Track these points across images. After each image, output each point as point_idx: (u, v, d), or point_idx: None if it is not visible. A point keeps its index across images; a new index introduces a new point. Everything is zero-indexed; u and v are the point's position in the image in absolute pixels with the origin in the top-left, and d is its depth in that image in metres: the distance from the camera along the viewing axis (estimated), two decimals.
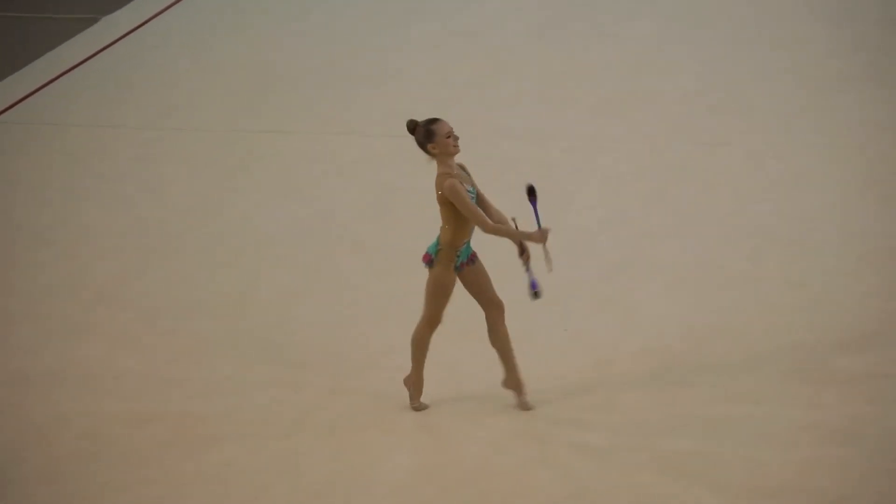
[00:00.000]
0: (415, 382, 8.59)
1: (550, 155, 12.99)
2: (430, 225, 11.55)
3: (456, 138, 8.19)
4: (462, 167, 8.34)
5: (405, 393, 8.67)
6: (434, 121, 8.21)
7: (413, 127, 8.23)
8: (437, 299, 8.30)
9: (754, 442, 8.20)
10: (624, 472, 7.97)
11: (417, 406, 8.61)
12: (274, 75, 15.52)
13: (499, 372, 8.63)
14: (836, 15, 16.78)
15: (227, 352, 9.50)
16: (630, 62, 15.54)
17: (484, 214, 8.19)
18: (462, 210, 8.12)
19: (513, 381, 8.58)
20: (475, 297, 8.46)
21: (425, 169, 12.79)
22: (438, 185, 8.17)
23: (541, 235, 8.29)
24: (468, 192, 8.17)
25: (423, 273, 8.34)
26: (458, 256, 8.28)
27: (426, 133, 8.16)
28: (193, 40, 16.95)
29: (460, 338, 9.02)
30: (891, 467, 7.91)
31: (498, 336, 8.49)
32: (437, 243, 8.28)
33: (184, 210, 12.06)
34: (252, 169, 12.90)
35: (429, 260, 8.30)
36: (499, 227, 8.22)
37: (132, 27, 17.24)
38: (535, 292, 8.33)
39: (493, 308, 8.44)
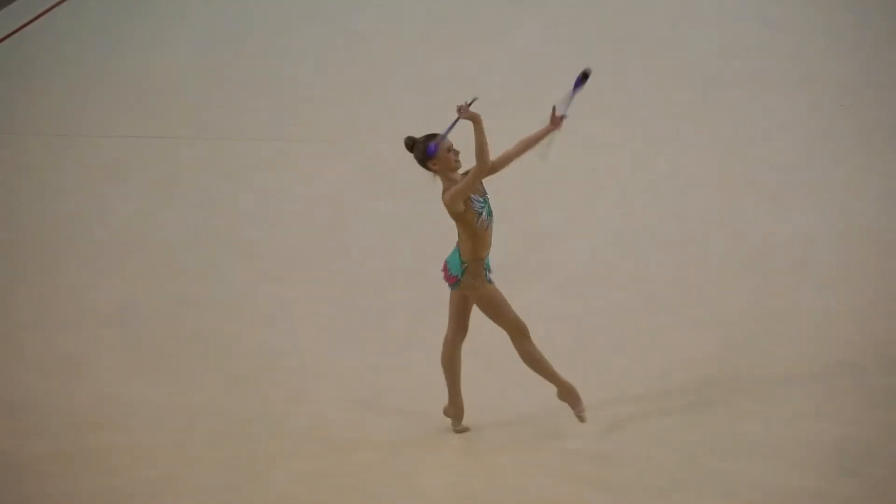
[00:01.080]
0: (569, 392, 8.20)
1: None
2: (317, 229, 11.56)
3: (457, 153, 7.96)
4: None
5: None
6: (432, 136, 7.97)
7: (411, 144, 7.99)
8: (502, 313, 8.05)
9: (647, 441, 8.26)
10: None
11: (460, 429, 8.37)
12: (158, 79, 15.36)
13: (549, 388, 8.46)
14: (719, 17, 17.00)
15: (114, 362, 9.37)
16: (515, 65, 15.60)
17: (482, 166, 7.87)
18: (466, 191, 7.85)
19: (454, 407, 8.33)
20: (452, 314, 8.17)
21: (312, 173, 12.79)
22: (445, 200, 7.95)
23: (556, 122, 8.25)
24: (479, 202, 7.95)
25: (315, 278, 8.23)
26: (487, 269, 8.04)
27: (426, 150, 7.93)
28: (76, 43, 16.72)
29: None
30: None
31: (452, 358, 8.23)
32: (460, 260, 8.02)
33: (66, 217, 11.88)
34: (137, 175, 12.75)
35: (455, 281, 8.03)
36: (508, 151, 8.04)
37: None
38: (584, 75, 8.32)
39: (459, 331, 8.19)
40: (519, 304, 10.04)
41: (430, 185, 8.04)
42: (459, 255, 8.02)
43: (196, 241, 11.32)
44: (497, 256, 10.71)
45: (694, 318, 9.82)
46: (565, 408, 8.21)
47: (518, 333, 8.08)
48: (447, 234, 8.23)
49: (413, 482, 7.85)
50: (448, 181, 7.94)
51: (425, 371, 8.71)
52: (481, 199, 7.97)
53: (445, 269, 8.08)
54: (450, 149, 7.94)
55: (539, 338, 9.38)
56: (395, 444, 8.28)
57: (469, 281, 8.00)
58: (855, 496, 7.65)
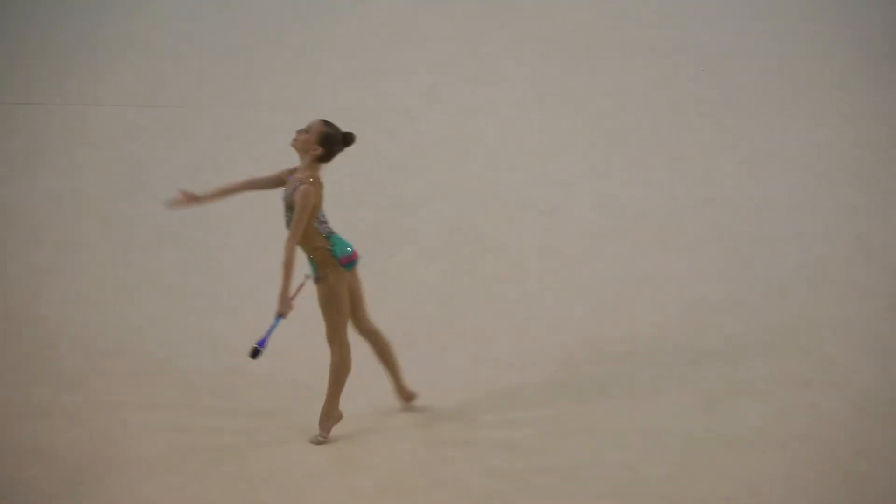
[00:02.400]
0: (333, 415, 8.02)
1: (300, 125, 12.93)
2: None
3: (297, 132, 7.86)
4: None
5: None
6: (347, 143, 7.88)
7: (345, 138, 7.87)
8: (337, 308, 7.86)
9: (508, 404, 8.32)
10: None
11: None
12: (21, 44, 15.10)
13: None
14: None
15: None
16: (384, 33, 15.57)
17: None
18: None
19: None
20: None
21: (178, 142, 12.67)
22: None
23: (284, 306, 7.71)
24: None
25: (169, 246, 8.10)
26: (334, 247, 7.87)
27: (330, 149, 7.82)
28: None
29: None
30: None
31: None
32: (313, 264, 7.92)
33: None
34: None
35: (315, 278, 7.88)
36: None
37: None
38: (256, 349, 7.75)
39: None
40: (384, 270, 10.11)
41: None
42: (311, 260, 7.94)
43: (58, 209, 11.16)
44: (363, 224, 10.79)
45: (561, 286, 9.91)
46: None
47: (341, 337, 7.93)
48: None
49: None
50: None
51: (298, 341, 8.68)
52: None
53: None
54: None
55: (405, 305, 9.45)
56: (266, 413, 8.25)
57: (326, 269, 7.90)
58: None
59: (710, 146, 12.51)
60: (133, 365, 8.83)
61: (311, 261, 7.83)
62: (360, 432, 8.01)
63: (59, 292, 9.85)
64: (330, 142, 7.79)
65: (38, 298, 9.75)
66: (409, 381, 8.30)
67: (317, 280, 7.84)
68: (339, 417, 7.99)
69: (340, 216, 10.86)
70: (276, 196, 7.95)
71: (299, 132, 7.83)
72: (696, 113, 13.29)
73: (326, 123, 7.83)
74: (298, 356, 8.59)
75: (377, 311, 9.19)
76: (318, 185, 7.78)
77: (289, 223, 7.75)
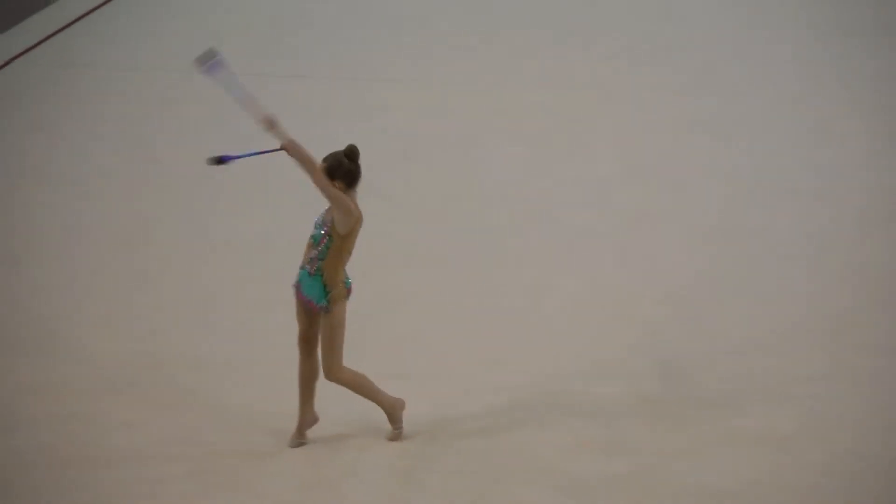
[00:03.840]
0: (396, 405, 7.99)
1: (566, 102, 12.99)
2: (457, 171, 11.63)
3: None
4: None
5: None
6: (357, 166, 7.65)
7: (353, 154, 7.66)
8: (340, 337, 7.76)
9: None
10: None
11: (398, 435, 7.99)
12: (291, 17, 15.46)
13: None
14: None
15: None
16: (665, 8, 15.48)
17: (312, 165, 7.58)
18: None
19: (306, 419, 7.99)
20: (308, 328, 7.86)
21: (450, 116, 12.83)
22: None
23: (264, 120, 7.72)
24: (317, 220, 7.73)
25: None
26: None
27: (349, 172, 7.60)
28: None
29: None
30: None
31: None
32: (321, 284, 7.76)
33: (203, 154, 12.04)
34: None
35: (324, 308, 7.71)
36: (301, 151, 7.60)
37: None
38: (219, 158, 7.82)
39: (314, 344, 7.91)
40: (649, 253, 10.08)
41: None
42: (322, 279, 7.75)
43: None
44: (627, 206, 10.70)
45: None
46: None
47: (339, 359, 7.78)
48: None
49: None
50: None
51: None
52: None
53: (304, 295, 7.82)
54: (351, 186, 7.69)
55: (669, 287, 9.42)
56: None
57: (338, 300, 7.75)
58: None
59: None
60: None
61: (327, 294, 7.66)
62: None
63: None
64: (337, 172, 7.59)
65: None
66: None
67: (325, 311, 7.68)
68: (403, 405, 7.95)
69: (604, 198, 10.91)
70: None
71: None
72: None
73: (323, 160, 7.64)
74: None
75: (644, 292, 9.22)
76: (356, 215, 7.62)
77: (316, 242, 7.63)
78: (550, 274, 9.87)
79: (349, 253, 7.67)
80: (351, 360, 7.79)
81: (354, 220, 7.60)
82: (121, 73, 13.95)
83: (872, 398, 8.26)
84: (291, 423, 7.95)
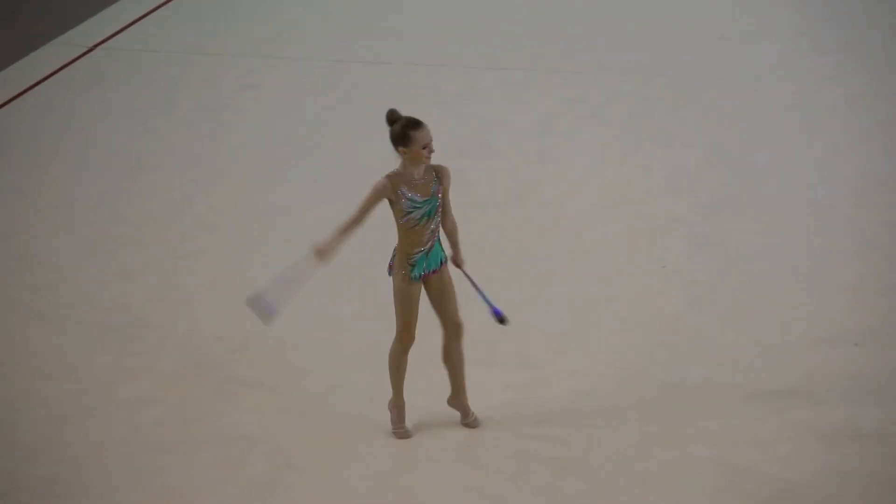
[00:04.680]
0: (395, 406, 8.04)
1: (650, 91, 12.92)
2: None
3: (431, 151, 7.63)
4: (440, 172, 7.74)
5: None
6: (416, 125, 7.60)
7: (392, 119, 7.64)
8: (399, 311, 7.79)
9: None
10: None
11: (400, 433, 8.05)
12: (373, 3, 15.51)
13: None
14: None
15: None
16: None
17: (353, 218, 7.59)
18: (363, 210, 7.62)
19: (459, 403, 8.09)
20: (436, 311, 7.90)
21: (526, 102, 12.82)
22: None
23: (318, 253, 7.65)
24: (414, 203, 7.65)
25: None
26: (414, 266, 7.73)
27: (402, 136, 7.60)
28: None
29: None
30: None
31: (451, 357, 7.97)
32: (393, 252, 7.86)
33: (285, 140, 12.15)
34: (353, 100, 12.94)
35: (389, 268, 7.85)
36: (339, 231, 7.61)
37: None
38: (500, 319, 7.81)
39: (449, 327, 7.90)
40: (729, 241, 10.00)
41: None
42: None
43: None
44: (709, 194, 10.67)
45: None
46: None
47: (399, 337, 7.84)
48: None
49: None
50: (403, 168, 7.66)
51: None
52: (419, 202, 7.65)
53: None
54: (426, 146, 7.61)
55: (748, 276, 9.37)
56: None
57: (394, 271, 7.80)
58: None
59: None
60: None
61: (393, 257, 7.80)
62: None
63: None
64: (397, 142, 7.65)
65: None
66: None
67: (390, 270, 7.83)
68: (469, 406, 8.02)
69: (687, 185, 10.85)
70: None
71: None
72: None
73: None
74: None
75: (721, 281, 9.17)
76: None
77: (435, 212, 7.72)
78: (628, 262, 9.85)
79: (406, 230, 7.65)
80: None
81: (378, 197, 7.61)
82: (201, 57, 14.05)
83: None
84: (369, 409, 8.03)
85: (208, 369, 8.65)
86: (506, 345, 8.71)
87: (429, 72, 13.55)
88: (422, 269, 7.73)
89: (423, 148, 7.59)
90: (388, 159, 7.69)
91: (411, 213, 7.65)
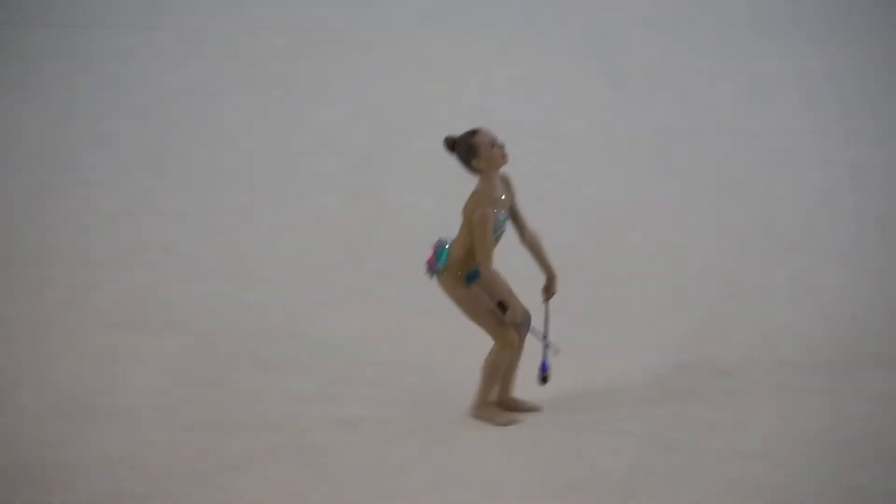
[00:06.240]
0: (487, 404, 7.78)
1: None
2: None
3: (501, 146, 7.40)
4: (505, 180, 7.53)
5: None
6: (473, 132, 7.38)
7: (453, 144, 7.40)
8: (475, 314, 7.53)
9: None
10: None
11: (505, 420, 7.76)
12: None
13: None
14: None
15: None
16: None
17: (491, 256, 7.41)
18: (476, 244, 7.35)
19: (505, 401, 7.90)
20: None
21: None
22: (471, 206, 7.41)
23: (519, 315, 7.53)
24: (502, 222, 7.46)
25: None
26: (470, 277, 7.55)
27: (468, 148, 7.35)
28: None
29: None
30: None
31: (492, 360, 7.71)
32: (447, 256, 7.55)
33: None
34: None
35: (432, 268, 7.58)
36: (494, 275, 7.47)
37: None
38: (543, 376, 7.70)
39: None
40: None
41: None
42: (449, 252, 7.58)
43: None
44: None
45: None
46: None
47: (502, 343, 7.61)
48: None
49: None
50: (487, 184, 7.43)
51: None
52: (503, 219, 7.48)
53: (435, 253, 7.64)
54: (493, 143, 7.38)
55: None
56: None
57: (447, 281, 7.56)
58: None
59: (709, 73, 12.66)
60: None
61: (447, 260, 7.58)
62: None
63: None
64: (467, 164, 7.50)
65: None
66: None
67: (431, 270, 7.66)
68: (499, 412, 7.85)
69: None
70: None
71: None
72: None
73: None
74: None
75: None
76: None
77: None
78: (693, 244, 10.27)
79: (479, 247, 7.39)
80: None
81: (492, 227, 7.40)
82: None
83: None
84: (419, 401, 8.07)
85: (246, 357, 8.61)
86: (575, 330, 8.62)
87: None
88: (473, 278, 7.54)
89: (492, 147, 7.37)
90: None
91: (496, 232, 7.45)
